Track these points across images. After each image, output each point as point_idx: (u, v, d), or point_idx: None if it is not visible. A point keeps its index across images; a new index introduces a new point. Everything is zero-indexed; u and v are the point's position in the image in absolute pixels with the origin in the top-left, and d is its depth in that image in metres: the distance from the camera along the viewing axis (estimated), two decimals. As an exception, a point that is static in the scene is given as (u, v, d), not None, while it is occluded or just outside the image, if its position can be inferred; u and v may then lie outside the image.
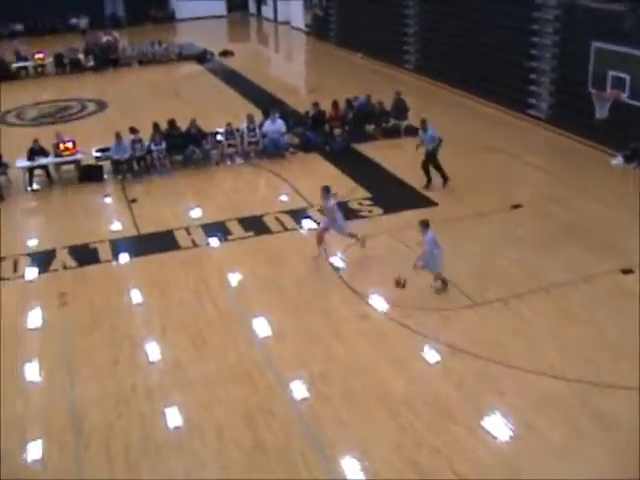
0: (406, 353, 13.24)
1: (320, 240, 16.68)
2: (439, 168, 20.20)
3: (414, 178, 20.47)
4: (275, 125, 23.62)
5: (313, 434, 11.42)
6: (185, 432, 11.64)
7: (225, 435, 11.44)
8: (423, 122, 20.19)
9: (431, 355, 13.13)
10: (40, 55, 40.73)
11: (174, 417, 11.98)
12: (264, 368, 13.03)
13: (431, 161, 20.17)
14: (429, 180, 20.29)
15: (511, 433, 11.12)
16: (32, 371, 13.54)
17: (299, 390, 12.42)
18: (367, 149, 23.62)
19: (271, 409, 11.94)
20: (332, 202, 16.26)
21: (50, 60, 40.76)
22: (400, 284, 15.13)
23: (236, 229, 18.60)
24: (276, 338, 14.02)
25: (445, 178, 20.22)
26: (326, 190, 16.28)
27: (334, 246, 17.13)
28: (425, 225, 14.79)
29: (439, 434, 11.14)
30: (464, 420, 11.43)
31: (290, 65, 43.50)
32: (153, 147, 22.87)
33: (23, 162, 22.66)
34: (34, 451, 11.49)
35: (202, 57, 41.52)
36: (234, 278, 16.28)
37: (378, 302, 14.91)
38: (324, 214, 16.90)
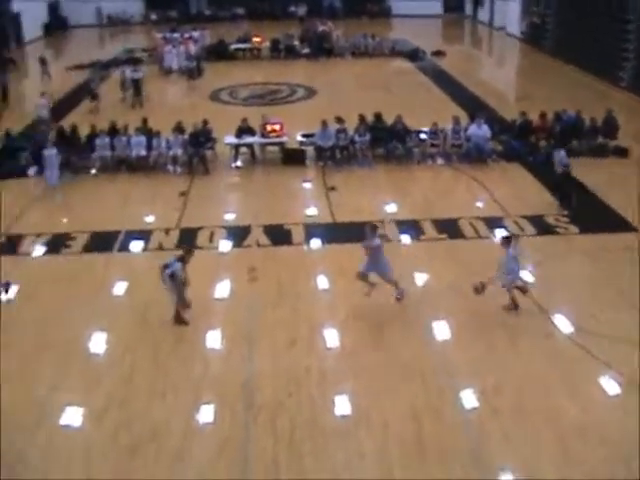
0: (585, 380, 12.71)
1: (365, 279, 15.04)
2: (558, 189, 19.82)
3: (617, 200, 19.63)
4: (480, 130, 23.31)
5: (476, 444, 11.23)
6: (351, 421, 11.74)
7: (390, 430, 11.46)
8: (557, 144, 20.20)
9: (611, 386, 12.50)
10: (258, 39, 42.30)
11: (343, 405, 12.11)
12: (438, 370, 12.94)
13: (562, 182, 19.74)
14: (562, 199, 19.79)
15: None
16: (214, 339, 14.12)
17: (469, 398, 12.21)
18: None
19: (439, 412, 11.84)
20: (377, 242, 14.80)
21: (267, 44, 42.15)
22: (479, 291, 14.63)
23: (429, 229, 18.48)
24: (454, 343, 13.88)
25: (563, 199, 19.66)
26: (372, 228, 14.94)
27: (525, 260, 16.75)
28: (507, 241, 14.59)
29: (608, 472, 10.62)
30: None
31: (501, 71, 42.72)
32: (357, 138, 23.17)
33: (231, 139, 23.64)
34: (206, 414, 12.02)
35: (414, 55, 41.56)
36: (420, 278, 16.19)
37: (563, 323, 14.37)
38: (367, 254, 14.95)
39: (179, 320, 14.53)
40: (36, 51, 43.62)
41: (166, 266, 14.34)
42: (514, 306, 14.71)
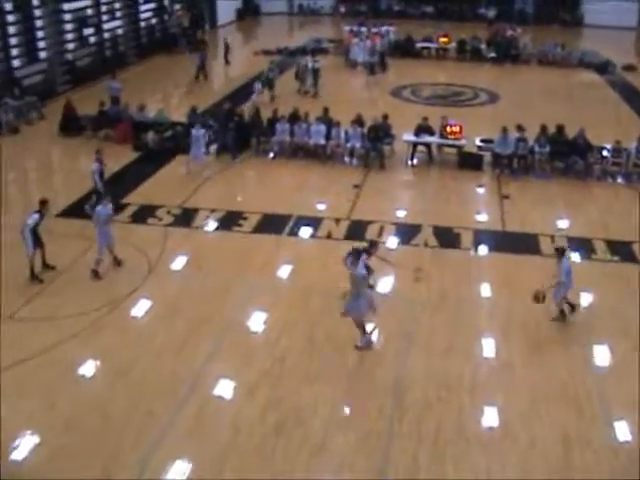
0: None
1: (361, 324, 13.68)
2: None
3: None
4: (667, 152, 22.30)
5: (628, 477, 10.80)
6: (497, 434, 11.58)
7: (536, 449, 11.23)
8: None
9: None
10: (444, 39, 41.93)
11: (491, 416, 11.96)
12: (593, 397, 12.50)
13: None
14: None
15: None
16: (371, 333, 14.11)
17: (623, 431, 11.71)
18: None
19: (590, 440, 11.45)
20: (362, 272, 13.43)
21: (453, 45, 41.78)
22: (539, 299, 14.22)
23: (601, 250, 17.83)
24: (612, 370, 13.36)
25: None
26: (357, 253, 13.65)
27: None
28: (561, 253, 14.42)
29: None
30: None
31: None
32: (537, 148, 22.67)
33: (409, 137, 23.69)
34: (354, 405, 12.15)
35: (603, 67, 40.04)
36: (586, 298, 15.60)
37: None
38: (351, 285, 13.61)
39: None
40: (227, 34, 45.00)
41: (350, 253, 14.75)
42: (562, 317, 14.59)
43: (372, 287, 15.43)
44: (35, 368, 13.07)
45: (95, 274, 16.10)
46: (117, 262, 16.61)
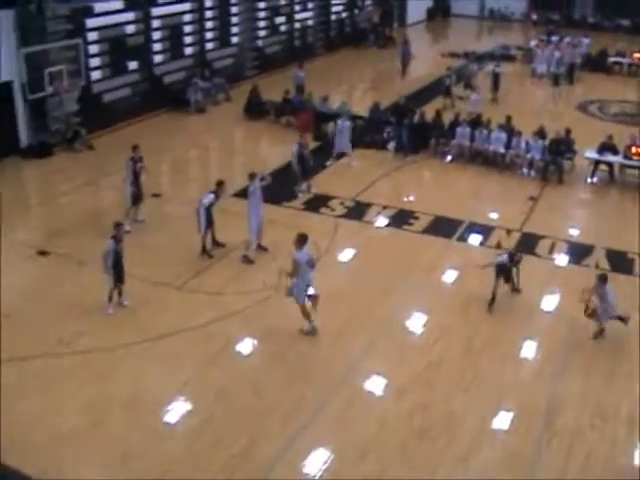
0: None
1: (305, 312, 13.93)
2: None
3: None
4: None
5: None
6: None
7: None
8: None
9: None
10: (638, 55, 40.26)
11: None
12: None
13: None
14: None
15: None
16: (531, 348, 14.01)
17: None
18: None
19: None
20: (307, 256, 13.66)
21: (648, 64, 40.08)
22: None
23: None
24: None
25: None
26: (301, 239, 13.73)
27: None
28: (603, 279, 14.26)
29: None
30: None
31: None
32: None
33: (592, 154, 22.98)
34: (503, 420, 12.00)
35: None
36: None
37: None
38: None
39: (490, 304, 15.12)
40: (416, 33, 45.02)
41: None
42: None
43: (518, 291, 15.56)
44: (195, 338, 13.71)
45: (246, 259, 16.57)
46: (262, 248, 16.98)
